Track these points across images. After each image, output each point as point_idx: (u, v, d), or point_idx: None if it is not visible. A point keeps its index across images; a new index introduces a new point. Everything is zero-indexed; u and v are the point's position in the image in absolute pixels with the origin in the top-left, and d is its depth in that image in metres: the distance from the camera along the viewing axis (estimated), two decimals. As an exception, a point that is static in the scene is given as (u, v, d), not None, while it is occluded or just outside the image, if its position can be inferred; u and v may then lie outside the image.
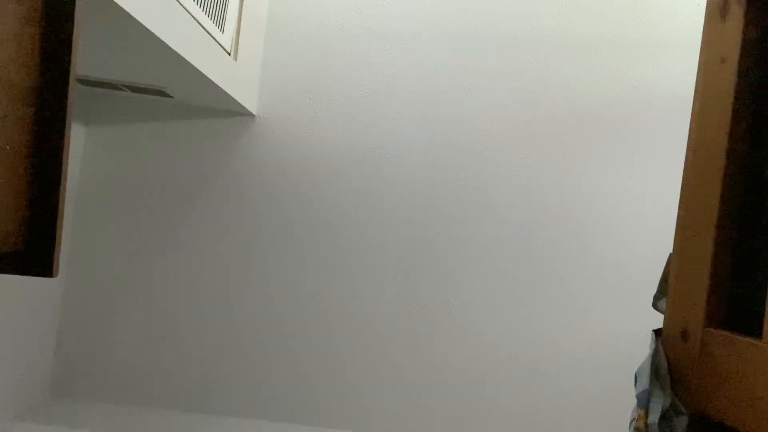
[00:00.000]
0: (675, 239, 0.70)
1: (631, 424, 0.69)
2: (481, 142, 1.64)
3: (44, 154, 0.62)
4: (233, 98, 1.48)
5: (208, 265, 1.67)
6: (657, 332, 0.70)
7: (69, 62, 0.61)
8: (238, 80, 1.49)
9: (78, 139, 1.64)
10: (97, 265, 1.67)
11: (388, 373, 1.64)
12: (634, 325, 1.57)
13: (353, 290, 1.65)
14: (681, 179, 0.70)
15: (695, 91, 0.69)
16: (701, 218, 0.65)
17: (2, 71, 0.58)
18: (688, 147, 0.70)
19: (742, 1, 0.63)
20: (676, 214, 0.70)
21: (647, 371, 0.66)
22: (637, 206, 1.60)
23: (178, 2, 1.09)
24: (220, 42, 1.34)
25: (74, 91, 0.63)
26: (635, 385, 0.69)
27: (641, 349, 0.72)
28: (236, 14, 1.44)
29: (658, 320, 0.72)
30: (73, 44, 0.61)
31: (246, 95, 1.57)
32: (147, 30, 0.97)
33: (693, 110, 0.69)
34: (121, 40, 1.06)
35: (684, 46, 1.58)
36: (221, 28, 1.34)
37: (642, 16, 1.61)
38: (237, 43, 1.47)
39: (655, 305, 0.74)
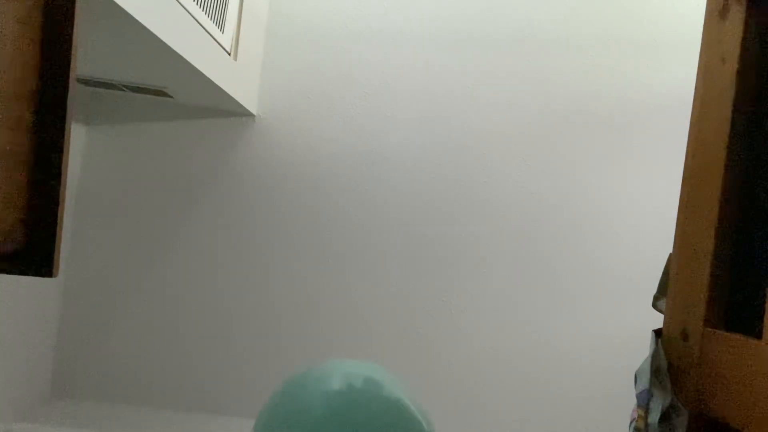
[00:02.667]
0: (675, 239, 0.70)
1: (631, 424, 0.69)
2: (481, 142, 1.64)
3: (44, 155, 0.62)
4: (233, 98, 1.48)
5: (207, 265, 1.67)
6: (657, 332, 0.70)
7: (69, 62, 0.61)
8: (238, 80, 1.49)
9: (78, 139, 1.64)
10: (97, 265, 1.67)
11: (388, 373, 1.64)
12: (633, 326, 1.57)
13: (352, 291, 1.65)
14: (681, 179, 0.70)
15: (695, 91, 0.69)
16: (701, 218, 0.65)
17: (1, 72, 0.58)
18: (688, 147, 0.70)
19: (742, 1, 0.63)
20: (675, 214, 0.70)
21: (647, 371, 0.66)
22: (637, 206, 1.60)
23: (178, 2, 1.09)
24: (220, 42, 1.34)
25: (74, 91, 0.63)
26: (635, 385, 0.69)
27: (641, 349, 0.72)
28: (236, 14, 1.44)
29: (658, 320, 0.72)
30: (73, 44, 0.61)
31: (246, 95, 1.57)
32: (147, 30, 0.97)
33: (693, 110, 0.69)
34: (121, 40, 1.06)
35: (684, 46, 1.58)
36: (221, 28, 1.34)
37: (642, 15, 1.61)
38: (237, 43, 1.47)
39: (655, 305, 0.74)
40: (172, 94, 1.52)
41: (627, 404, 0.78)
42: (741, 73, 0.62)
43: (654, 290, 0.75)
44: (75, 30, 0.61)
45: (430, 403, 1.69)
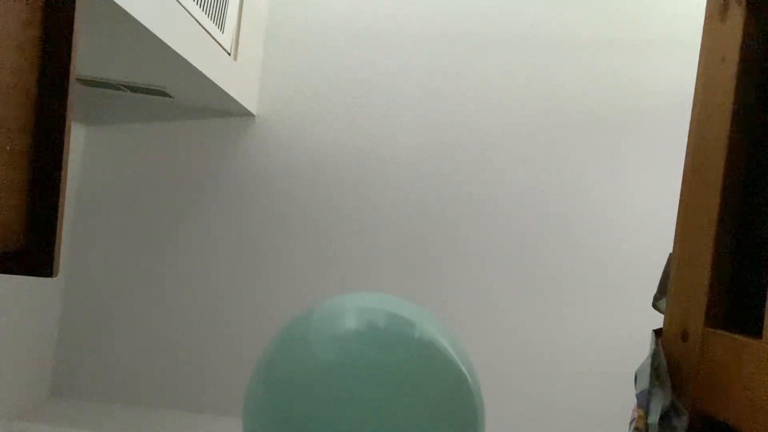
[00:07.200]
0: (675, 239, 0.70)
1: (631, 424, 0.69)
2: (481, 143, 1.64)
3: (44, 154, 0.62)
4: (233, 98, 1.48)
5: (207, 265, 1.67)
6: (657, 332, 0.70)
7: (69, 62, 0.61)
8: (238, 80, 1.49)
9: (78, 139, 1.64)
10: (97, 265, 1.67)
11: (388, 373, 1.64)
12: (633, 326, 1.57)
13: (351, 291, 1.65)
14: (681, 179, 0.70)
15: (695, 91, 0.69)
16: (701, 218, 0.65)
17: (1, 72, 0.58)
18: (688, 147, 0.70)
19: (742, 1, 0.63)
20: (675, 214, 0.70)
21: (647, 371, 0.66)
22: (637, 206, 1.60)
23: (178, 2, 1.09)
24: (220, 42, 1.34)
25: (74, 91, 0.63)
26: (635, 385, 0.69)
27: (641, 349, 0.72)
28: (236, 14, 1.44)
29: (658, 320, 0.72)
30: (73, 44, 0.61)
31: (246, 95, 1.57)
32: (147, 30, 0.97)
33: (693, 110, 0.69)
34: (121, 40, 1.06)
35: (684, 46, 1.58)
36: (221, 28, 1.34)
37: (641, 15, 1.61)
38: (237, 43, 1.47)
39: (655, 305, 0.74)
40: (172, 94, 1.52)
41: (627, 404, 0.78)
42: (741, 73, 0.62)
43: (654, 290, 0.75)
44: (75, 30, 0.61)
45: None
